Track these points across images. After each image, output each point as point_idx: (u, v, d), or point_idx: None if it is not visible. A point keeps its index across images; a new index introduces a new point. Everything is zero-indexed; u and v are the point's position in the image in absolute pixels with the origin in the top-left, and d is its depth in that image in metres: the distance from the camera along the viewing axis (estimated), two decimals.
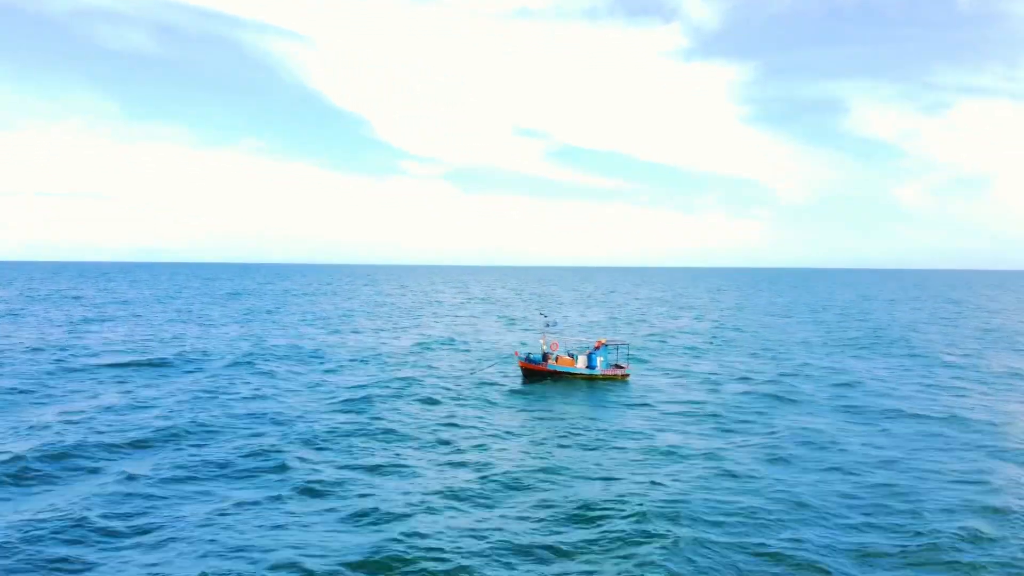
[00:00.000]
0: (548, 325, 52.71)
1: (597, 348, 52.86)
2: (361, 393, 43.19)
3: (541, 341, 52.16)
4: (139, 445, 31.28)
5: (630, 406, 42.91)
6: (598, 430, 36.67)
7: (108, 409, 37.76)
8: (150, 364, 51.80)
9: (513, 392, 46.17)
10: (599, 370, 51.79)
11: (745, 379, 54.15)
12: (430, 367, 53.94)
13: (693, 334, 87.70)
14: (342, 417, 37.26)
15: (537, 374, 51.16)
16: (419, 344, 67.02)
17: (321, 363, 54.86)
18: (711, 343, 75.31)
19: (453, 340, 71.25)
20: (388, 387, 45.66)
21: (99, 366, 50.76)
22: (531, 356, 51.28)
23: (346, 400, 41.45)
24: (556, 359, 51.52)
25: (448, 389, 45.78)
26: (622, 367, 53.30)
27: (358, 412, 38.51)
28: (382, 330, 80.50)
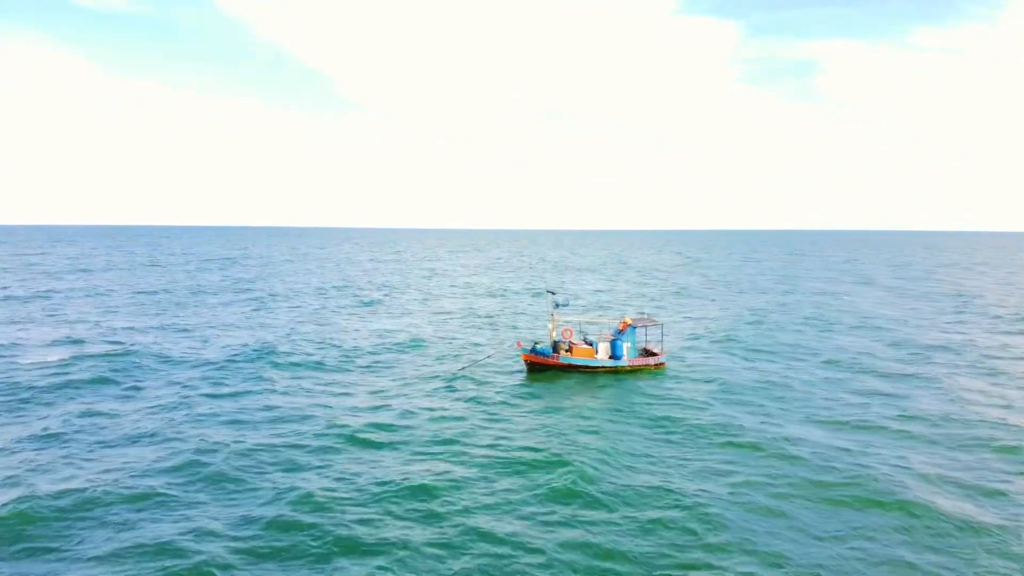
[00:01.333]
0: (558, 305, 41.06)
1: (622, 331, 41.38)
2: (344, 414, 31.80)
3: (550, 327, 40.65)
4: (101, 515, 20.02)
5: (670, 412, 31.49)
6: (627, 452, 25.34)
7: (59, 438, 26.44)
8: (128, 357, 40.06)
9: (516, 396, 34.75)
10: (626, 359, 40.38)
11: (831, 362, 42.88)
12: (426, 360, 42.52)
13: (732, 307, 76.40)
14: (326, 436, 25.98)
15: (548, 369, 39.78)
16: (417, 330, 55.44)
17: (313, 360, 43.35)
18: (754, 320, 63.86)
19: (456, 320, 59.71)
20: (357, 397, 34.28)
21: (50, 369, 38.81)
22: (538, 347, 39.81)
23: (325, 417, 30.13)
24: (570, 349, 40.08)
25: (438, 399, 34.40)
26: (655, 353, 41.86)
27: (331, 433, 27.18)
28: (380, 304, 68.86)
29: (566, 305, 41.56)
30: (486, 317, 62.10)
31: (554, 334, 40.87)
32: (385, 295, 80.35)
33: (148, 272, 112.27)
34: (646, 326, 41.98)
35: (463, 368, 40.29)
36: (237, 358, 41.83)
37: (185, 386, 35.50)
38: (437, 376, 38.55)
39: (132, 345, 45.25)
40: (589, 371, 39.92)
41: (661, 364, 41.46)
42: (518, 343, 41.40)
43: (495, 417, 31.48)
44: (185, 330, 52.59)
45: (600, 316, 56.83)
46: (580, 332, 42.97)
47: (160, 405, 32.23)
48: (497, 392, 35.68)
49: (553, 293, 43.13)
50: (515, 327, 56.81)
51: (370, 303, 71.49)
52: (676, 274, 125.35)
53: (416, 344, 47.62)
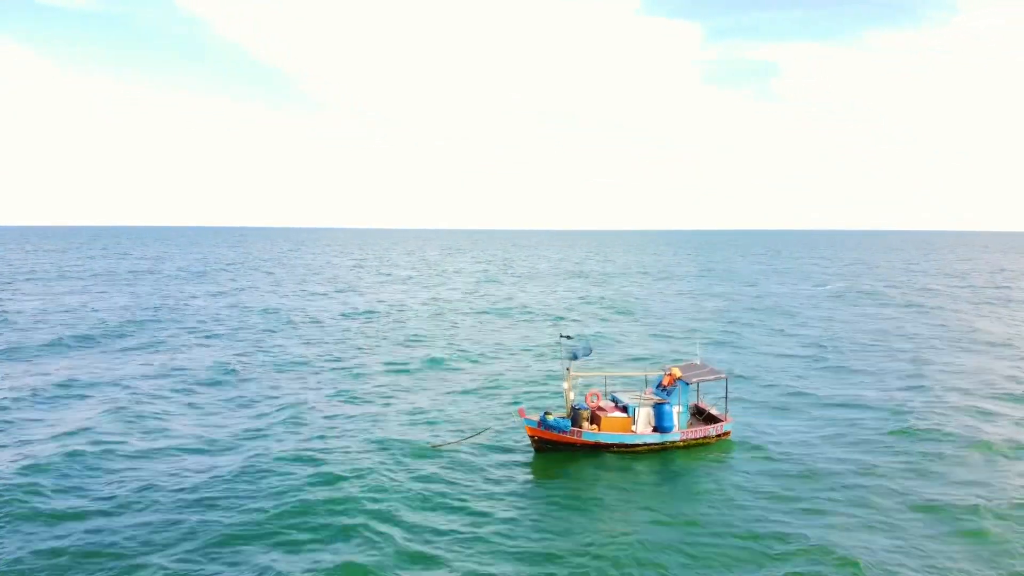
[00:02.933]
0: (575, 356, 28.36)
1: (668, 386, 28.78)
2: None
3: (565, 387, 27.99)
4: None
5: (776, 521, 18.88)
6: None
7: None
8: None
9: (516, 497, 22.18)
10: (677, 431, 27.79)
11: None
12: (387, 432, 29.73)
13: (781, 329, 63.83)
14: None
15: (565, 449, 27.21)
16: (381, 383, 42.48)
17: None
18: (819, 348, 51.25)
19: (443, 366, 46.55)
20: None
21: None
22: (548, 419, 27.14)
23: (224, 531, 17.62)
24: (595, 420, 27.51)
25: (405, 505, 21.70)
26: (717, 418, 29.23)
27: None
28: (341, 344, 55.42)
29: (588, 355, 28.91)
30: (483, 358, 49.26)
31: (572, 396, 28.22)
32: (348, 329, 67.43)
33: (58, 287, 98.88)
34: (703, 380, 29.29)
35: (437, 447, 27.60)
36: (94, 452, 29.01)
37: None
38: (401, 463, 25.83)
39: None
40: (625, 451, 27.33)
41: (726, 433, 28.85)
42: (520, 411, 28.62)
43: (486, 544, 18.81)
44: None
45: (614, 368, 43.91)
46: (607, 392, 30.28)
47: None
48: (488, 494, 22.99)
49: (569, 337, 30.41)
50: (521, 379, 44.13)
51: (325, 346, 58.58)
52: (693, 281, 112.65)
53: (373, 410, 34.89)
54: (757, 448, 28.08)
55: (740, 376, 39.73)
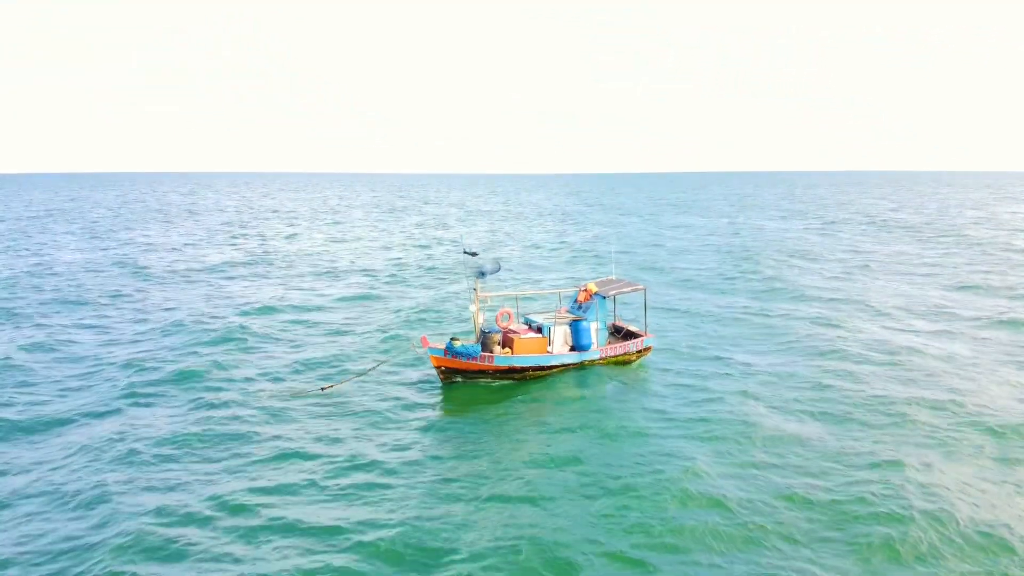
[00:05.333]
0: (484, 274, 25.52)
1: (584, 303, 26.50)
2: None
3: (472, 309, 25.14)
4: None
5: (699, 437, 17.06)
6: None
7: None
8: None
9: (427, 422, 19.44)
10: (596, 349, 25.61)
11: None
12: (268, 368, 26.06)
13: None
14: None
15: (475, 376, 24.53)
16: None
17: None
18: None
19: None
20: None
21: None
22: (455, 344, 24.23)
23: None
24: (506, 343, 24.90)
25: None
26: (636, 333, 27.24)
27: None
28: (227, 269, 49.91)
29: (496, 271, 26.13)
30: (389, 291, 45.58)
31: (480, 319, 25.42)
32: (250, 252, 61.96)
33: None
34: (621, 293, 27.06)
35: (329, 387, 24.32)
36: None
37: None
38: (288, 412, 22.48)
39: None
40: (541, 373, 24.93)
41: (647, 349, 26.94)
42: (423, 339, 25.56)
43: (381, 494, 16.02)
44: None
45: (525, 287, 41.49)
46: (520, 315, 27.67)
47: None
48: (394, 434, 20.11)
49: (473, 254, 27.40)
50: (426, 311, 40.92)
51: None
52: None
53: (248, 338, 31.04)
54: (679, 363, 26.35)
55: (659, 294, 38.14)
